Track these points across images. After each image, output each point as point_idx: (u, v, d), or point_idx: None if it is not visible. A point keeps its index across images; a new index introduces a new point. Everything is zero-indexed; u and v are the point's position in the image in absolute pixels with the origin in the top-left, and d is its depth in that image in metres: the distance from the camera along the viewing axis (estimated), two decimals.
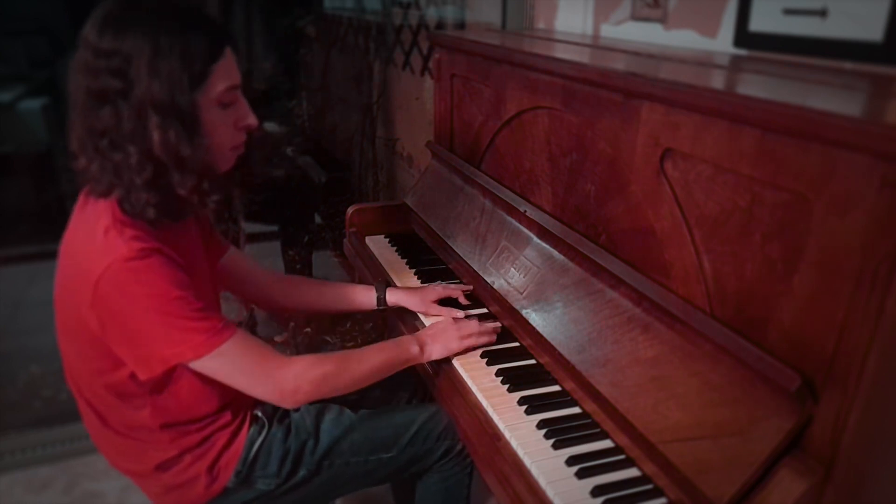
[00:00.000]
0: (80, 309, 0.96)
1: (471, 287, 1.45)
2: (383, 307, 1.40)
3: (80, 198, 1.02)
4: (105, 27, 0.91)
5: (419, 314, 1.40)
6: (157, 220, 0.97)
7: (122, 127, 0.92)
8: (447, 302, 1.41)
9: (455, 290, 1.42)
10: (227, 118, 1.00)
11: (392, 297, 1.40)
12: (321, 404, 1.22)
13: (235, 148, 1.04)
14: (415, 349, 1.20)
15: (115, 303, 0.93)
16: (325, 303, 1.40)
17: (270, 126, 3.31)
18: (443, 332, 1.24)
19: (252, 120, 1.03)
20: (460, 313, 1.36)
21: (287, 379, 1.04)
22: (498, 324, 1.32)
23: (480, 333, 1.26)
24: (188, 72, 0.92)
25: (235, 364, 1.01)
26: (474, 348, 1.26)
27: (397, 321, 1.45)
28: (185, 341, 0.96)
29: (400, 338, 1.22)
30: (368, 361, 1.13)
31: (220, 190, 1.00)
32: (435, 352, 1.22)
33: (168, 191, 0.96)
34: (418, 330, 1.31)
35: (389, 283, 1.45)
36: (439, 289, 1.41)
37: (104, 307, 0.94)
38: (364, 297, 1.40)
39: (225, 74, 0.96)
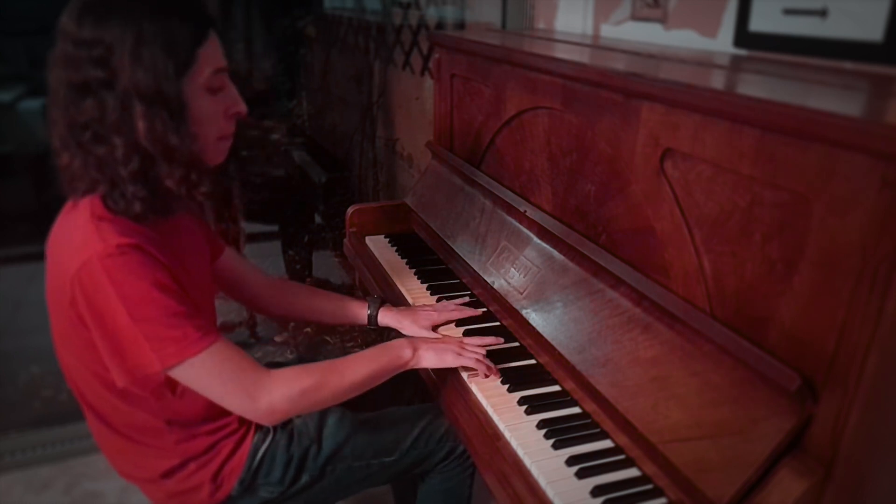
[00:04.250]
0: (65, 309, 0.93)
1: (478, 312, 1.35)
2: (374, 326, 1.34)
3: (68, 203, 0.99)
4: (84, 16, 0.88)
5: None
6: (144, 216, 0.94)
7: (106, 118, 0.89)
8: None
9: (452, 313, 1.33)
10: (217, 105, 0.97)
11: (384, 319, 1.33)
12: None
13: (224, 138, 1.01)
14: (407, 353, 1.13)
15: (90, 301, 0.90)
16: (316, 313, 1.36)
17: (270, 125, 3.31)
18: (442, 342, 1.18)
19: (241, 107, 1.00)
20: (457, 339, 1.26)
21: (263, 397, 0.99)
22: (501, 339, 1.26)
23: (479, 361, 1.16)
24: (173, 59, 0.89)
25: (210, 377, 0.97)
26: (468, 369, 1.18)
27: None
28: (155, 350, 0.91)
29: (391, 342, 1.15)
30: (352, 375, 1.08)
31: (208, 181, 0.97)
32: (426, 359, 1.15)
33: (155, 184, 0.93)
34: None
35: (385, 301, 1.37)
36: (434, 315, 1.31)
37: (82, 305, 0.91)
38: (356, 312, 1.35)
39: (211, 58, 0.94)
